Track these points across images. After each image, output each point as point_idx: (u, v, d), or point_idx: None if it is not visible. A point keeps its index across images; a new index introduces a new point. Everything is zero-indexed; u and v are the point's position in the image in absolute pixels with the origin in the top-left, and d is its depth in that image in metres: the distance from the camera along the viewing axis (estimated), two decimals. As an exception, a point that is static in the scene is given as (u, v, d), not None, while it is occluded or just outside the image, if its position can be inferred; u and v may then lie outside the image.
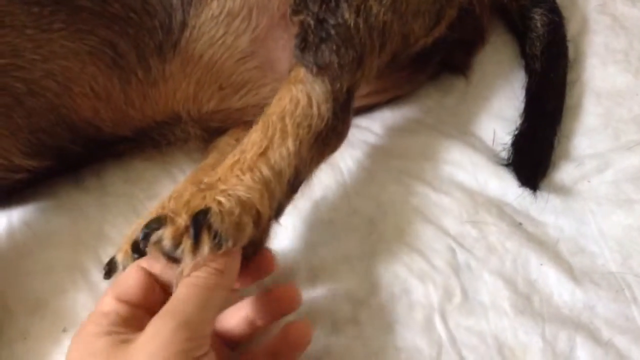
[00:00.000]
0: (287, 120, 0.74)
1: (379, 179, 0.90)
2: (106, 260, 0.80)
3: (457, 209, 0.87)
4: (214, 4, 0.84)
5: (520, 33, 1.03)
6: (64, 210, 0.86)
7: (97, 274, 0.81)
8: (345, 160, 0.91)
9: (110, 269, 0.78)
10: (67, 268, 0.81)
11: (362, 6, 0.79)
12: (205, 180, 0.71)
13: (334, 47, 0.77)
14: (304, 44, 0.78)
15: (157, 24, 0.83)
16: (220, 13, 0.84)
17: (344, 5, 0.78)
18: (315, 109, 0.75)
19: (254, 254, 0.71)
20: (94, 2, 0.80)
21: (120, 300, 0.62)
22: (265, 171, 0.70)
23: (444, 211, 0.87)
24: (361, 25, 0.79)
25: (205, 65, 0.86)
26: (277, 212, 0.72)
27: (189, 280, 0.61)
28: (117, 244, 0.81)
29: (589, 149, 0.92)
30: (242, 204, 0.67)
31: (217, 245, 0.63)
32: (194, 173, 0.86)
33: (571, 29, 1.04)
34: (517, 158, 0.90)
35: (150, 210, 0.82)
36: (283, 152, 0.72)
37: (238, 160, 0.71)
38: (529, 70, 0.99)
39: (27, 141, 0.80)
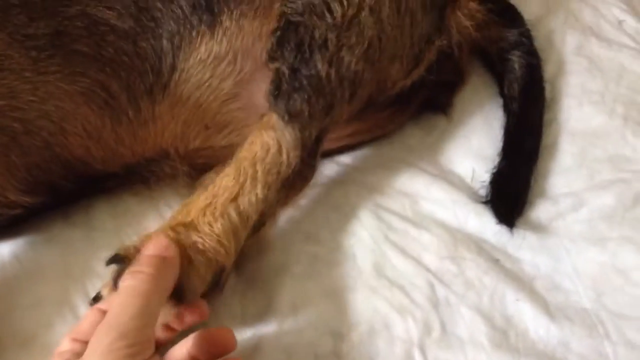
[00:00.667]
0: (258, 166, 0.80)
1: (360, 215, 0.92)
2: (93, 293, 0.82)
3: (437, 244, 0.89)
4: (202, 49, 0.88)
5: (499, 74, 1.07)
6: (54, 245, 0.88)
7: (85, 309, 0.82)
8: (330, 196, 0.94)
9: (96, 303, 0.79)
10: (56, 302, 0.82)
11: (335, 57, 0.84)
12: (179, 218, 0.78)
13: (306, 97, 0.83)
14: (277, 92, 0.83)
15: (148, 67, 0.86)
16: (208, 57, 0.88)
17: (318, 56, 0.83)
18: (284, 156, 0.81)
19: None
20: (88, 46, 0.84)
21: (75, 339, 0.68)
22: (234, 218, 0.78)
23: (423, 247, 0.89)
24: (333, 76, 0.84)
25: (192, 106, 0.90)
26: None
27: (124, 289, 0.65)
28: (104, 278, 0.83)
29: (564, 188, 0.95)
30: (210, 262, 0.75)
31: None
32: (179, 210, 0.89)
33: (548, 70, 1.08)
34: (495, 196, 0.93)
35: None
36: (252, 199, 0.79)
37: (210, 204, 0.78)
38: (507, 111, 1.02)
39: (23, 178, 0.83)
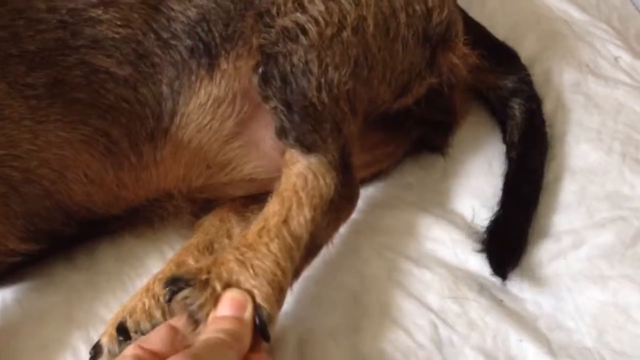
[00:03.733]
0: (301, 193, 0.82)
1: (363, 254, 0.93)
2: (96, 337, 0.82)
3: (439, 284, 0.90)
4: (202, 92, 0.89)
5: (501, 121, 1.08)
6: (56, 288, 0.88)
7: (87, 353, 0.82)
8: (331, 236, 0.94)
9: (96, 353, 0.80)
10: (59, 347, 0.82)
11: (322, 79, 0.84)
12: (234, 243, 0.79)
13: (310, 127, 0.84)
14: (284, 131, 0.84)
15: (148, 113, 0.87)
16: (208, 100, 0.89)
17: (304, 83, 0.84)
18: (322, 181, 0.83)
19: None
20: (88, 93, 0.84)
21: (141, 347, 0.67)
22: (288, 238, 0.79)
23: (426, 286, 0.90)
24: (326, 100, 0.84)
25: (194, 149, 0.90)
26: (294, 278, 0.82)
27: (210, 334, 0.68)
28: (107, 322, 0.83)
29: (565, 225, 0.96)
30: (273, 282, 0.75)
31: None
32: (179, 253, 0.90)
33: (546, 107, 1.09)
34: (490, 245, 0.93)
35: (136, 290, 0.85)
36: (301, 220, 0.80)
37: (263, 227, 0.79)
38: (508, 158, 1.02)
39: (23, 226, 0.83)
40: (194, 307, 0.71)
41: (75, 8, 0.84)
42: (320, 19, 0.85)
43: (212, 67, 0.88)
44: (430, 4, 0.94)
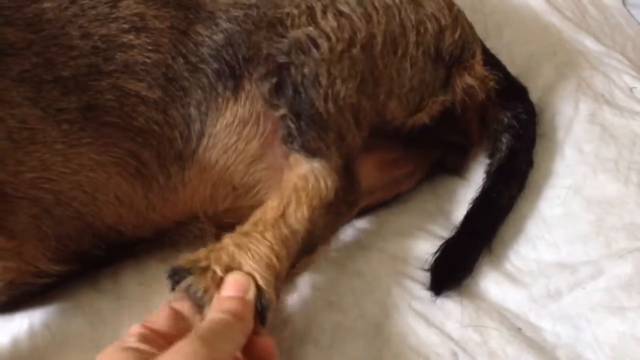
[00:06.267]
0: (301, 192, 0.84)
1: (383, 283, 0.93)
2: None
3: (459, 313, 0.91)
4: (228, 113, 0.91)
5: (490, 153, 1.08)
6: (82, 313, 0.88)
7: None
8: (352, 263, 0.95)
9: None
10: (85, 372, 0.83)
11: (330, 91, 0.87)
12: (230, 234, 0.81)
13: (316, 135, 0.86)
14: (291, 138, 0.87)
15: (177, 135, 0.89)
16: (233, 121, 0.91)
17: (313, 94, 0.86)
18: (323, 184, 0.85)
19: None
20: (120, 117, 0.86)
21: (147, 327, 0.69)
22: (283, 229, 0.82)
23: (446, 315, 0.90)
24: (332, 110, 0.87)
25: (220, 170, 0.92)
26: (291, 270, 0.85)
27: (215, 315, 0.70)
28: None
29: (583, 256, 0.97)
30: (269, 266, 0.78)
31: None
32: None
33: (561, 138, 1.10)
34: (435, 263, 0.94)
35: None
36: (298, 216, 0.83)
37: (260, 219, 0.83)
38: (481, 187, 1.03)
39: (54, 248, 0.84)
40: (198, 294, 0.74)
41: (107, 34, 0.86)
42: (332, 35, 0.88)
43: (237, 89, 0.91)
44: (443, 22, 0.96)
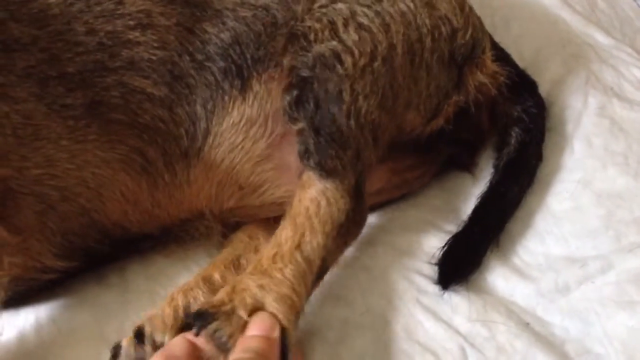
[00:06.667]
0: (314, 219, 0.83)
1: (390, 278, 0.93)
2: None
3: (467, 307, 0.90)
4: (234, 113, 0.90)
5: (499, 146, 1.08)
6: (88, 307, 0.89)
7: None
8: (359, 258, 0.95)
9: (115, 354, 0.80)
10: (91, 366, 0.83)
11: (352, 107, 0.86)
12: (249, 270, 0.81)
13: (334, 153, 0.85)
14: (307, 154, 0.86)
15: (183, 132, 0.89)
16: (240, 121, 0.91)
17: (336, 110, 0.86)
18: (334, 206, 0.84)
19: None
20: (125, 114, 0.86)
21: (166, 356, 0.70)
22: (302, 263, 0.81)
23: (454, 310, 0.90)
24: (353, 126, 0.86)
25: (226, 168, 0.92)
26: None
27: (239, 354, 0.70)
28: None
29: (592, 250, 0.96)
30: (292, 307, 0.78)
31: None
32: (206, 268, 0.91)
33: (570, 132, 1.09)
34: (443, 257, 0.94)
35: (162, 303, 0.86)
36: (314, 245, 0.82)
37: (277, 253, 0.81)
38: (489, 181, 1.02)
39: (59, 244, 0.85)
40: (223, 339, 0.73)
41: (113, 30, 0.86)
42: (354, 49, 0.87)
43: (244, 88, 0.90)
44: (455, 24, 0.95)
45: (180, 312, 0.83)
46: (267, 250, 0.82)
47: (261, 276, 0.79)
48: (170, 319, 0.82)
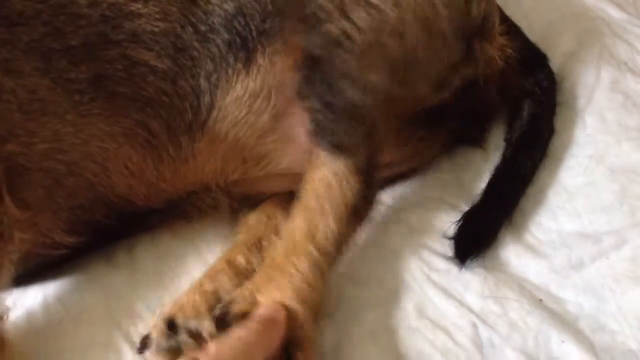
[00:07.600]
0: (325, 204, 0.82)
1: (402, 255, 0.92)
2: (136, 336, 0.83)
3: (479, 284, 0.89)
4: (238, 86, 0.89)
5: (510, 120, 1.06)
6: (96, 287, 0.88)
7: (128, 352, 0.83)
8: (370, 235, 0.94)
9: (144, 345, 0.81)
10: (101, 346, 0.83)
11: (362, 81, 0.85)
12: (263, 266, 0.82)
13: (345, 128, 0.84)
14: (318, 130, 0.85)
15: (187, 106, 0.88)
16: (244, 94, 0.90)
17: (346, 85, 0.84)
18: (346, 187, 0.83)
19: None
20: (129, 87, 0.85)
21: None
22: (315, 253, 0.80)
23: (466, 287, 0.89)
24: (364, 102, 0.85)
25: (230, 142, 0.91)
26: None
27: (232, 336, 0.71)
28: (146, 320, 0.85)
29: (605, 226, 0.94)
30: (308, 302, 0.78)
31: None
32: (230, 250, 0.91)
33: (582, 106, 1.07)
34: (459, 232, 0.93)
35: (183, 289, 0.86)
36: (327, 233, 0.82)
37: (288, 246, 0.81)
38: (502, 155, 1.01)
39: (67, 219, 0.84)
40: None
41: (115, 2, 0.85)
42: (363, 25, 0.85)
43: (248, 61, 0.89)
44: None
45: (211, 298, 0.83)
46: (280, 242, 0.83)
47: (275, 273, 0.80)
48: (202, 305, 0.82)
